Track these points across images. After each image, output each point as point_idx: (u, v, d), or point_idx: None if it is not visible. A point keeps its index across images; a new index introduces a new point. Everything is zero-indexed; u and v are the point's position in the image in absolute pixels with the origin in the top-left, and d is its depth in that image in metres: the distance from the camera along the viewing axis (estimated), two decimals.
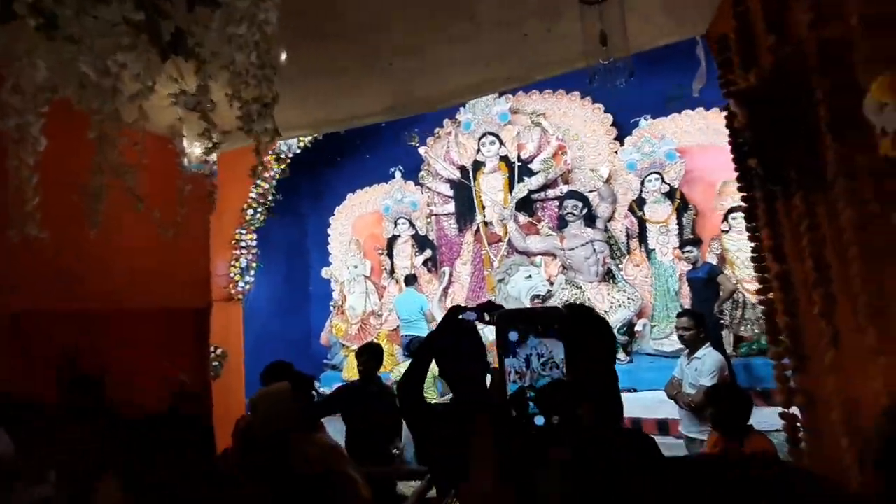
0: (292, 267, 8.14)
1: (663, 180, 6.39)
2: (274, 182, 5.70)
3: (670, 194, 6.38)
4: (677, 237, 6.26)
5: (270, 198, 5.67)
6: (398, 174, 7.57)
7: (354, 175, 7.99)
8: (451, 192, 7.29)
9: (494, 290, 6.71)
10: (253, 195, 5.57)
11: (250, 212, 5.53)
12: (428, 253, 7.34)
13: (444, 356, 1.64)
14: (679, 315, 3.02)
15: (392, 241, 7.47)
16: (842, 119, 1.29)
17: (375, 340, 7.06)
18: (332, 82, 2.39)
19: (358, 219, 7.95)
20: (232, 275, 5.45)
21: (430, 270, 7.34)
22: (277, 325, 7.44)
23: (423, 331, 6.33)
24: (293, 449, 1.30)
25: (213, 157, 2.06)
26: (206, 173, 1.91)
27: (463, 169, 7.16)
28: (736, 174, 2.10)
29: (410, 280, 6.82)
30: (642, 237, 6.46)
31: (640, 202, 6.50)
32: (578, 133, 7.03)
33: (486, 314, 1.74)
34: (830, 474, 1.67)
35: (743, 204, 6.23)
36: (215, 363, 4.84)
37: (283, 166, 5.59)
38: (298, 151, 5.88)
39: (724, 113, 2.12)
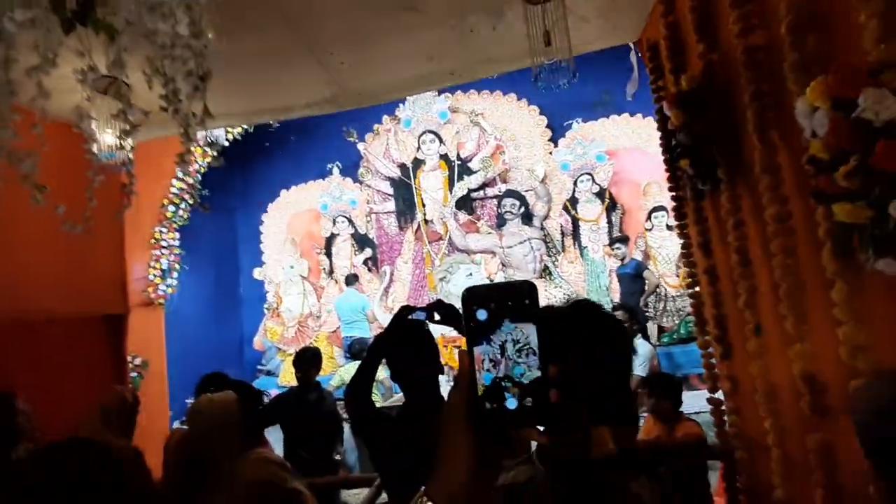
0: (221, 268, 7.64)
1: (594, 181, 6.71)
2: (199, 176, 5.30)
3: (600, 194, 6.71)
4: (607, 235, 6.61)
5: (195, 193, 5.28)
6: (336, 171, 7.35)
7: (289, 171, 7.64)
8: (391, 190, 7.19)
9: (436, 289, 6.71)
10: (175, 190, 5.14)
11: (172, 208, 5.09)
12: (368, 252, 7.19)
13: (395, 358, 1.59)
14: (614, 309, 3.17)
15: (330, 239, 7.24)
16: (767, 121, 1.39)
17: (313, 344, 6.80)
18: (265, 70, 2.24)
19: (293, 217, 7.61)
20: (152, 277, 4.99)
21: (370, 270, 7.20)
22: (206, 330, 6.96)
23: (365, 332, 6.19)
24: (236, 464, 1.19)
25: (129, 145, 1.86)
26: (121, 163, 1.71)
27: (403, 167, 7.09)
28: (666, 174, 2.22)
29: (351, 280, 6.65)
30: (576, 235, 6.74)
31: (573, 201, 6.77)
32: (515, 133, 7.20)
33: (435, 314, 1.71)
34: (754, 453, 1.81)
35: (665, 204, 6.63)
36: (135, 374, 4.43)
37: (208, 159, 5.21)
38: (227, 144, 5.51)
39: (657, 116, 2.23)
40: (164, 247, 5.07)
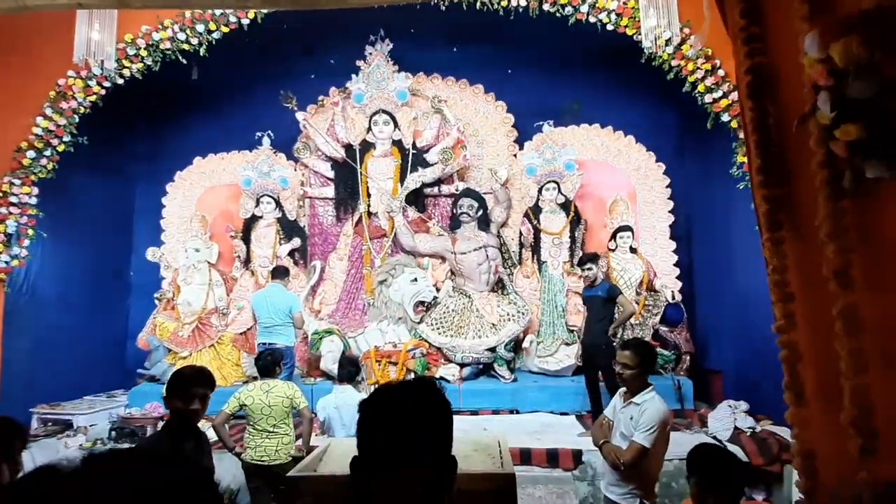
0: (108, 243, 6.18)
1: (560, 190, 6.13)
2: (76, 117, 4.00)
3: (566, 206, 6.15)
4: (569, 251, 6.04)
5: (68, 139, 3.96)
6: (267, 141, 6.18)
7: (207, 134, 6.35)
8: (331, 174, 6.16)
9: (373, 293, 5.77)
10: (39, 131, 3.80)
11: (31, 154, 3.74)
12: (296, 242, 6.08)
13: None
14: (623, 346, 2.39)
15: (251, 222, 6.05)
16: None
17: (217, 346, 5.57)
18: None
19: (207, 190, 6.33)
20: None
21: (297, 263, 6.10)
22: (77, 318, 5.51)
23: (288, 339, 5.03)
24: None
25: None
26: None
27: (349, 148, 6.10)
28: (756, 160, 1.52)
29: (280, 273, 5.33)
30: (536, 247, 6.11)
31: (535, 210, 6.15)
32: (479, 129, 6.50)
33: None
34: None
35: (631, 224, 5.98)
36: None
37: (91, 97, 3.93)
38: (121, 82, 4.24)
39: (749, 77, 1.52)
40: (13, 203, 3.68)
